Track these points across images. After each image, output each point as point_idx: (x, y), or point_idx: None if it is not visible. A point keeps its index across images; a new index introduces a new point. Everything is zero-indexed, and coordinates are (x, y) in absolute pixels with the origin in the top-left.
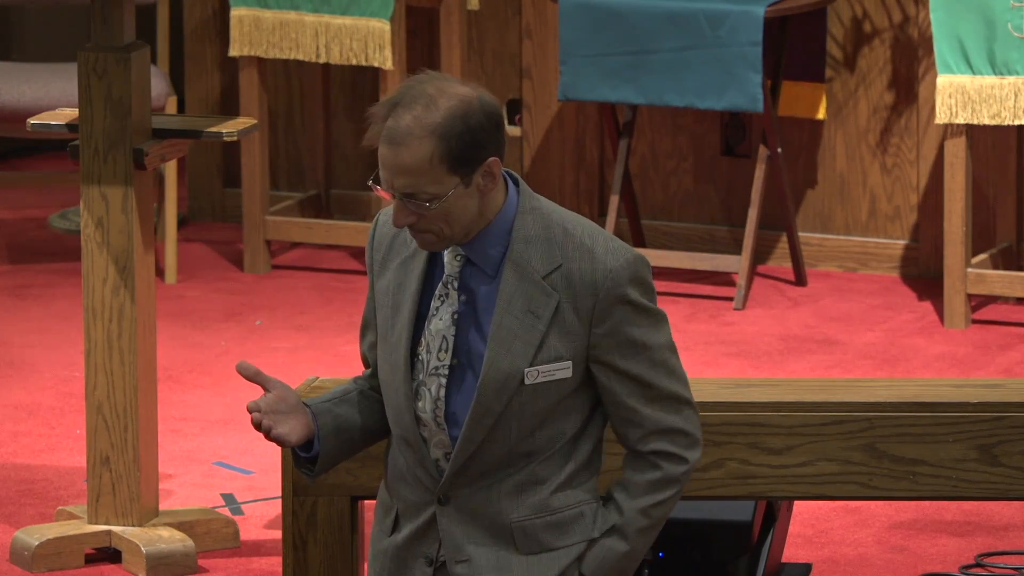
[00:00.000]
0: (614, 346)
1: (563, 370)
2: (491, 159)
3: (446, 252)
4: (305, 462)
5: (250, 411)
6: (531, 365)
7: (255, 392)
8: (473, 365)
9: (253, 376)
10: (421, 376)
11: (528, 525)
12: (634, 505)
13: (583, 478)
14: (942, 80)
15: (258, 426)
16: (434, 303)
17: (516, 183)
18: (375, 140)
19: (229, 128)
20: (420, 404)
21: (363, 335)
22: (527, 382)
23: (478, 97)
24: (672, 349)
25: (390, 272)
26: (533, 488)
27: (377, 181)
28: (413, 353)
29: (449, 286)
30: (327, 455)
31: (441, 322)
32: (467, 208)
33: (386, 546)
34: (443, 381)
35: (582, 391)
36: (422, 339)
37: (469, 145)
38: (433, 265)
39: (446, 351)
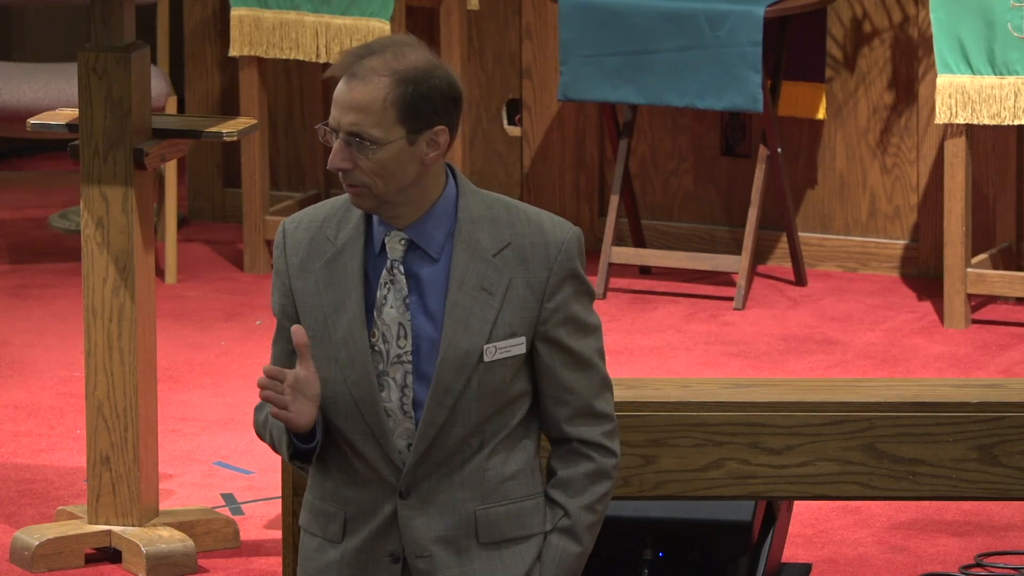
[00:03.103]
0: (562, 322)
1: (518, 346)
2: (439, 127)
3: (388, 238)
4: (300, 452)
5: (275, 377)
6: (488, 342)
7: (257, 393)
8: (424, 348)
9: (303, 346)
10: (381, 367)
11: (492, 513)
12: (578, 503)
13: (533, 466)
14: (942, 80)
15: (272, 397)
16: (380, 292)
17: (453, 171)
18: (339, 72)
19: (229, 128)
20: (384, 394)
21: (276, 343)
22: (486, 359)
23: (446, 69)
24: (602, 332)
25: (312, 274)
26: (493, 476)
27: (324, 134)
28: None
29: (395, 271)
30: (319, 451)
31: (393, 309)
32: (405, 169)
33: (336, 555)
34: (409, 368)
35: (525, 374)
36: (374, 330)
37: (423, 100)
38: (369, 256)
39: (405, 338)
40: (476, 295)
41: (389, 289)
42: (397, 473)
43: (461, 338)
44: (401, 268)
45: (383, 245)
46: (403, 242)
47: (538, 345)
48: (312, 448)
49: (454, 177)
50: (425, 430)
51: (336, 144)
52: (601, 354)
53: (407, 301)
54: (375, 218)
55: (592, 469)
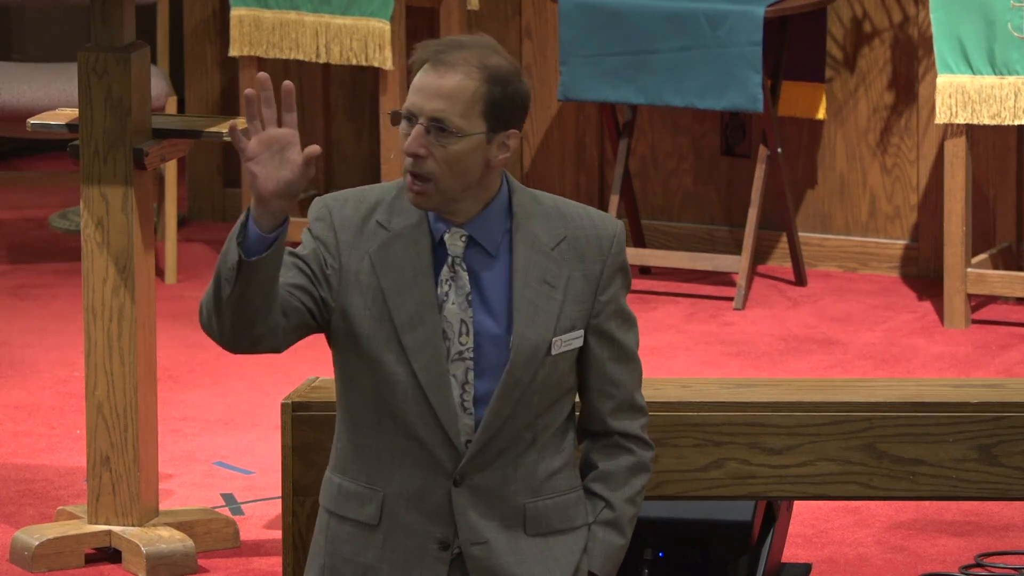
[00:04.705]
0: (612, 315)
1: (578, 339)
2: (513, 131)
3: (448, 235)
4: (250, 242)
5: (240, 131)
6: (555, 335)
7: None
8: (484, 345)
9: (266, 97)
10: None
11: (541, 506)
12: (621, 496)
13: (573, 460)
14: (942, 80)
15: (245, 147)
16: (440, 288)
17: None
18: (426, 57)
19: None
20: None
21: (290, 275)
22: (553, 352)
23: (524, 77)
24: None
25: (365, 255)
26: (542, 470)
27: (396, 119)
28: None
29: (457, 267)
30: (273, 254)
31: (455, 306)
32: (473, 166)
33: (378, 539)
34: (471, 364)
35: (574, 368)
36: None
37: (508, 102)
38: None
39: (467, 334)
40: (539, 288)
41: (450, 285)
42: (455, 461)
43: (530, 331)
44: (463, 264)
45: (440, 240)
46: (463, 239)
47: (589, 338)
48: (271, 239)
49: (505, 175)
50: (491, 421)
51: (415, 130)
52: (638, 346)
53: (469, 298)
54: (430, 212)
55: (633, 462)
